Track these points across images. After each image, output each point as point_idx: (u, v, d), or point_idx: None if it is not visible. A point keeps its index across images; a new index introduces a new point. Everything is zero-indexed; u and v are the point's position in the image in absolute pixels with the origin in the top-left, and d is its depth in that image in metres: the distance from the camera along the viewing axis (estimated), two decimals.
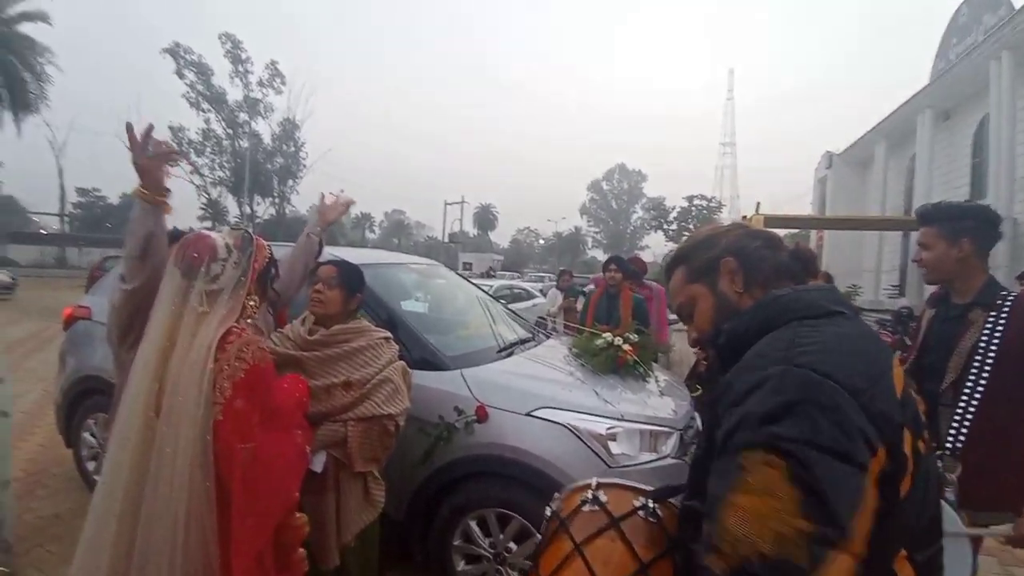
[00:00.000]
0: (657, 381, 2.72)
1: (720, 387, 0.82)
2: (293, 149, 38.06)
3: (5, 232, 35.01)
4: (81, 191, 45.46)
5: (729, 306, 0.93)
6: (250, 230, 1.53)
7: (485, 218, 70.27)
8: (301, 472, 1.43)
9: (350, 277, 1.96)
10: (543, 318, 5.07)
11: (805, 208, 25.14)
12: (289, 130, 37.62)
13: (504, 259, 53.10)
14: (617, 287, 4.45)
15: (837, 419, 0.67)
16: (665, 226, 34.23)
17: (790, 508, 0.63)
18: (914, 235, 1.83)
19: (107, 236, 35.32)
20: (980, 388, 1.57)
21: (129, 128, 1.52)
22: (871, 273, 17.20)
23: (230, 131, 36.02)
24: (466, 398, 2.26)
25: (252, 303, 1.43)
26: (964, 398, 1.59)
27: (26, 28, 25.25)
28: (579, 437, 2.12)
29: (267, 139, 37.42)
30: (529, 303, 10.61)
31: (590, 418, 2.19)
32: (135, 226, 1.48)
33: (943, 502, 1.32)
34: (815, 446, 0.65)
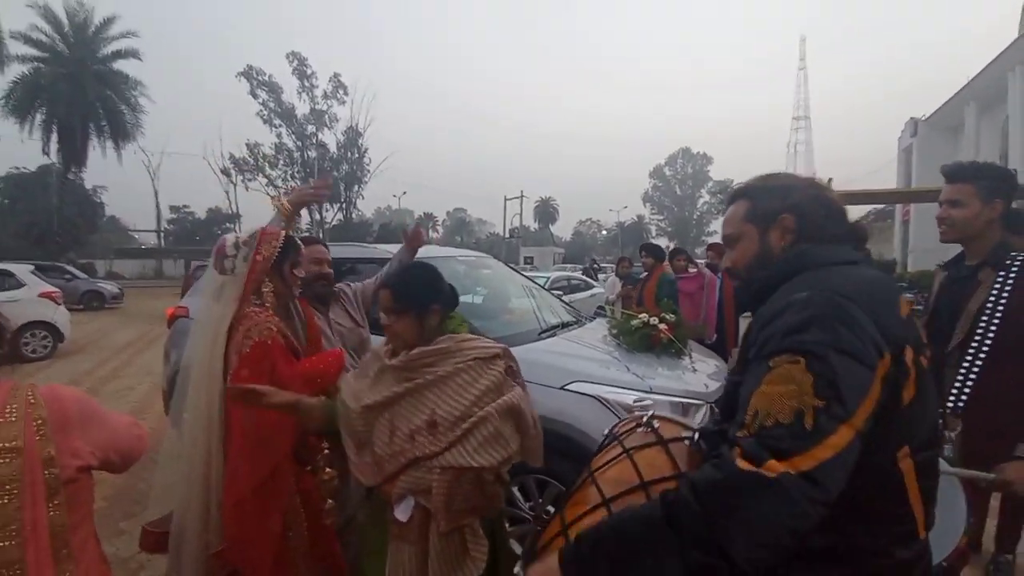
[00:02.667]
0: (691, 358, 2.78)
1: (753, 319, 0.95)
2: (357, 156, 39.69)
3: (111, 249, 38.99)
4: (173, 208, 49.70)
5: (768, 258, 1.03)
6: (264, 227, 1.75)
7: (545, 211, 70.12)
8: (294, 433, 1.55)
9: (412, 294, 1.51)
10: (602, 307, 5.14)
11: (887, 182, 23.27)
12: (352, 138, 39.21)
13: (566, 252, 52.69)
14: (650, 272, 5.00)
15: (853, 328, 0.81)
16: None
17: (807, 390, 0.77)
18: None
19: (197, 248, 38.53)
20: (985, 348, 1.54)
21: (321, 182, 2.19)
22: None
23: (299, 143, 38.13)
24: None
25: (267, 289, 1.66)
26: (968, 358, 1.57)
27: (120, 64, 27.94)
28: (609, 408, 2.26)
29: (333, 148, 39.32)
30: (587, 293, 10.69)
31: (620, 391, 2.32)
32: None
33: (941, 460, 1.35)
34: (835, 348, 0.79)
